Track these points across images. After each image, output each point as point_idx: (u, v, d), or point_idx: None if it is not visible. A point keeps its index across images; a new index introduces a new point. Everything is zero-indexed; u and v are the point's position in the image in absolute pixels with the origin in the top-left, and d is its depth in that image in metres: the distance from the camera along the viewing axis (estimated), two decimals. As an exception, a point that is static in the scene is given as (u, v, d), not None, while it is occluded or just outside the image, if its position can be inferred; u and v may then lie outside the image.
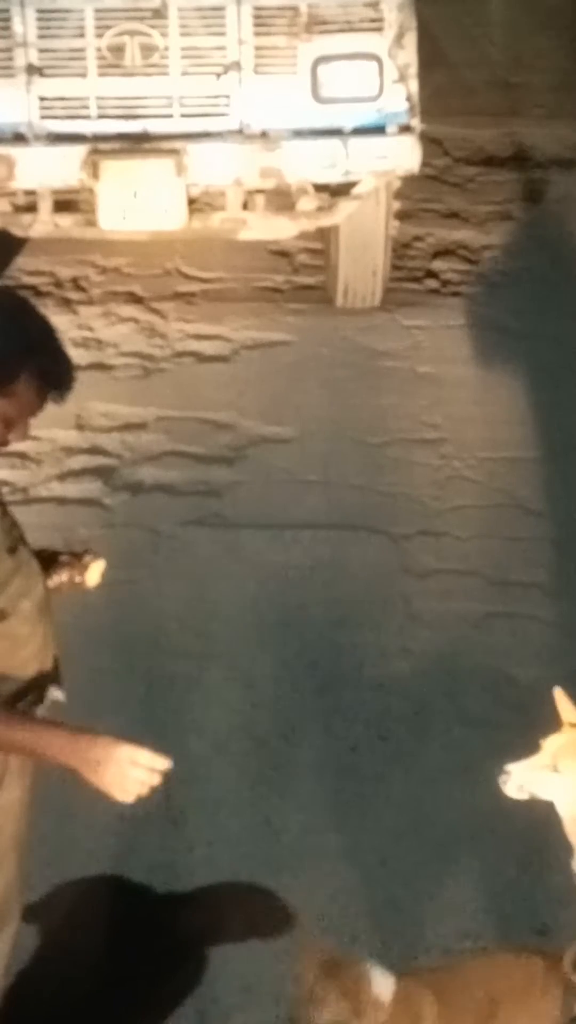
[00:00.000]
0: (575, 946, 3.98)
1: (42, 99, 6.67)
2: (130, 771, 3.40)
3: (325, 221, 7.03)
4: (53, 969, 4.57)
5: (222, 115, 6.70)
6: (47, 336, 3.48)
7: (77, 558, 3.84)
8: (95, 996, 4.47)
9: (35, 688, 3.58)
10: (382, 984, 3.81)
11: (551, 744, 4.12)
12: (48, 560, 3.77)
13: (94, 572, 3.82)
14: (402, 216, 7.59)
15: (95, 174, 6.65)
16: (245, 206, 6.88)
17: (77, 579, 3.82)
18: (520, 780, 4.10)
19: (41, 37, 6.62)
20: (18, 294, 3.61)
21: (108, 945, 4.61)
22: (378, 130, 6.75)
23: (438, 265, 8.01)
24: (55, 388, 3.49)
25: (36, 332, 3.45)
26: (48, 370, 3.46)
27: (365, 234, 7.23)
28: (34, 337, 3.44)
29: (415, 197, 8.06)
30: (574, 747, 4.12)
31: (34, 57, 6.62)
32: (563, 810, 4.16)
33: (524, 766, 4.11)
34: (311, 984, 3.74)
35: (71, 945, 4.65)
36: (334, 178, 6.81)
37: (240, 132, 6.71)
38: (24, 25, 6.60)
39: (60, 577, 3.80)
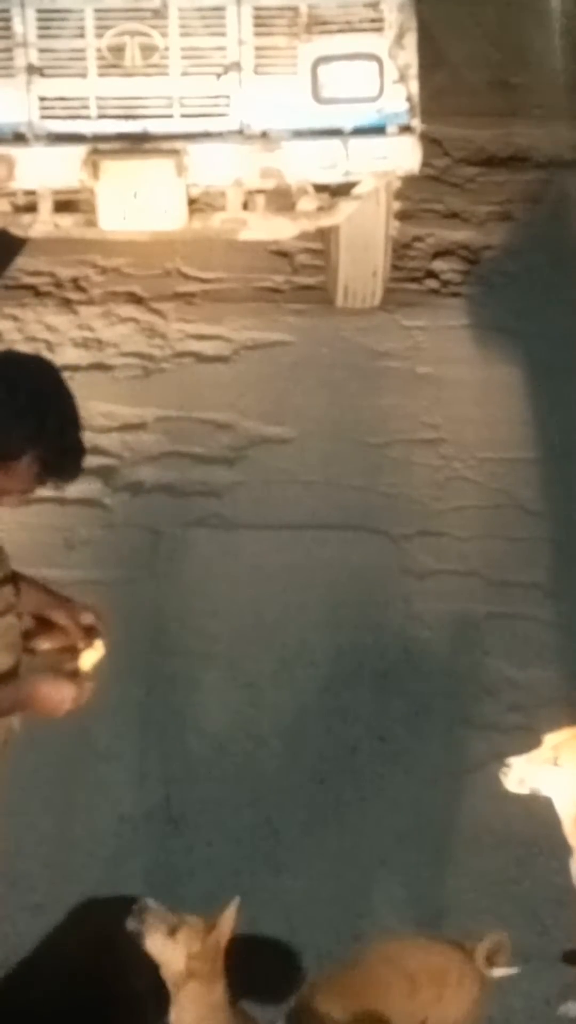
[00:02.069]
0: (487, 940, 4.00)
1: (42, 99, 6.67)
2: (58, 691, 3.58)
3: (325, 221, 7.03)
4: (54, 970, 4.57)
5: (222, 115, 6.70)
6: (65, 427, 3.49)
7: (78, 627, 3.80)
8: (94, 998, 4.47)
9: None
10: None
11: (552, 739, 4.14)
12: (47, 619, 3.77)
13: (88, 658, 3.74)
14: (402, 216, 7.60)
15: (95, 174, 6.65)
16: (245, 206, 6.88)
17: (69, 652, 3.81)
18: (521, 773, 4.11)
19: (41, 37, 6.62)
20: (55, 373, 3.56)
21: (109, 946, 4.61)
22: (378, 130, 6.75)
23: (438, 265, 8.01)
24: (54, 476, 3.49)
25: (54, 421, 3.47)
26: (51, 462, 3.48)
27: (365, 234, 7.23)
28: (50, 426, 3.45)
29: (415, 197, 8.06)
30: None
31: (34, 57, 6.62)
32: (562, 809, 4.17)
33: (525, 760, 4.12)
34: None
35: (72, 946, 4.65)
36: (334, 178, 6.81)
37: (240, 132, 6.71)
38: (24, 25, 6.60)
39: (51, 643, 3.79)
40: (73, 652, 3.76)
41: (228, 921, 3.75)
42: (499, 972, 4.02)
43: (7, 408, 3.42)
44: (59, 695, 3.58)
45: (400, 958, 4.02)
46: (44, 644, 3.78)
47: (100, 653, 3.75)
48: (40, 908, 4.71)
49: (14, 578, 3.69)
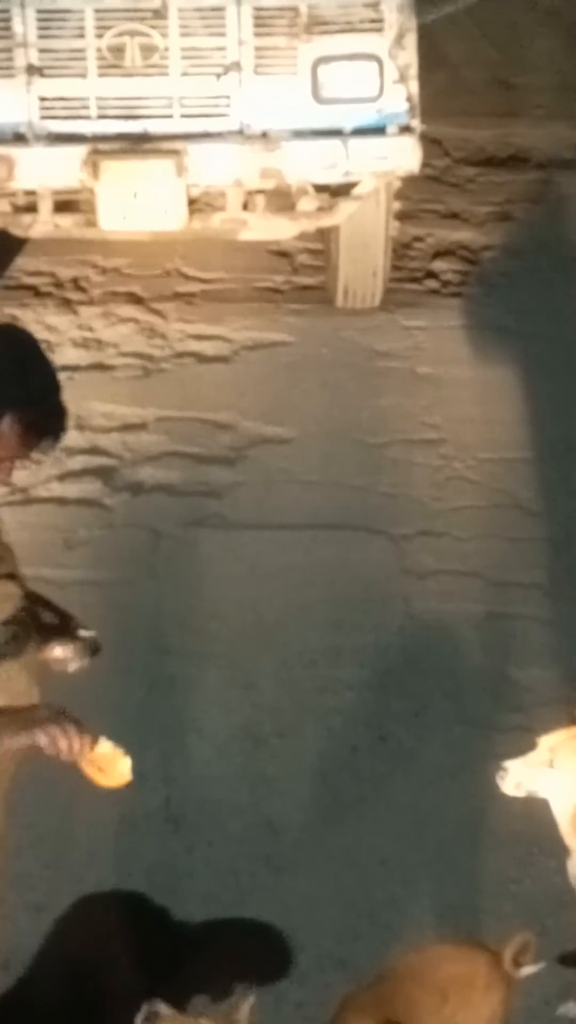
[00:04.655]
0: (513, 942, 4.01)
1: (42, 99, 6.67)
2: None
3: (325, 222, 7.03)
4: (54, 970, 4.57)
5: (222, 116, 6.70)
6: (45, 388, 3.48)
7: (65, 638, 3.80)
8: (96, 998, 4.47)
9: None
10: None
11: (548, 741, 4.13)
12: (46, 627, 3.77)
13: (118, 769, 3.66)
14: (402, 217, 7.59)
15: (95, 174, 6.65)
16: (245, 206, 6.88)
17: (53, 658, 3.80)
18: (517, 777, 4.11)
19: (41, 37, 6.62)
20: (30, 338, 3.57)
21: (108, 946, 4.62)
22: (378, 131, 6.75)
23: (438, 266, 8.01)
24: (40, 439, 3.48)
25: (35, 380, 3.46)
26: (36, 421, 3.45)
27: (365, 235, 7.23)
28: (31, 386, 3.44)
29: (415, 198, 8.06)
30: (571, 744, 4.12)
31: (34, 57, 6.62)
32: (558, 810, 4.16)
33: (522, 763, 4.11)
34: None
35: (72, 946, 4.65)
36: (334, 179, 6.81)
37: (240, 133, 6.71)
38: (24, 25, 6.59)
39: (46, 654, 3.79)
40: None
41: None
42: (526, 971, 4.04)
43: None
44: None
45: (427, 971, 4.02)
46: (56, 651, 3.79)
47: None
48: (40, 908, 4.71)
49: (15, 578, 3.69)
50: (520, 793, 4.14)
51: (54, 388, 3.50)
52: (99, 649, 3.83)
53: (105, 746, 3.57)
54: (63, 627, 3.80)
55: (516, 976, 4.03)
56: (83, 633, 3.82)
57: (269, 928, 4.71)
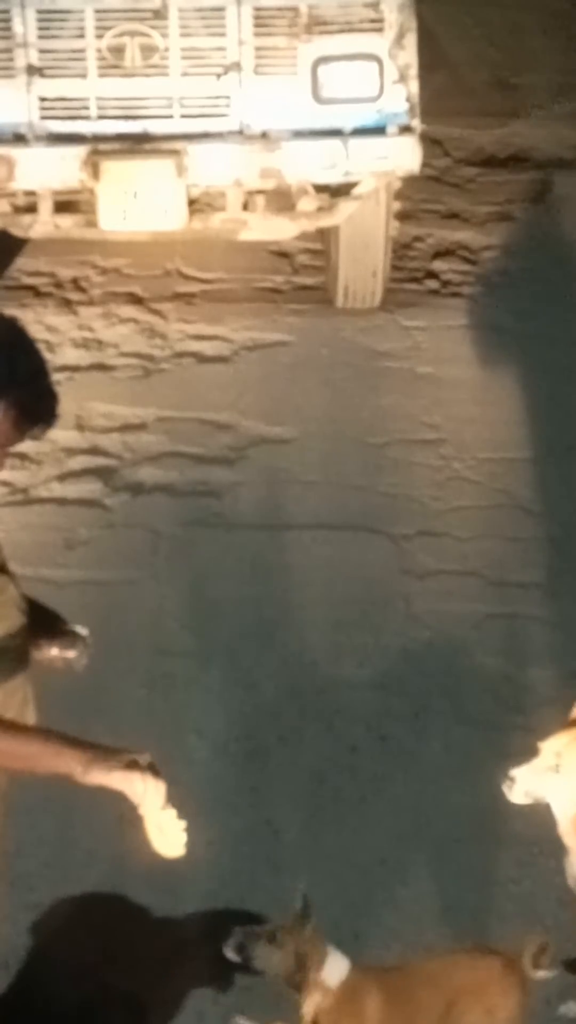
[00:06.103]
0: (532, 944, 4.01)
1: (42, 99, 6.67)
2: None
3: (325, 222, 7.03)
4: (54, 970, 4.57)
5: (222, 116, 6.70)
6: (34, 371, 3.46)
7: (65, 636, 3.79)
8: (96, 997, 4.47)
9: None
10: (333, 969, 3.91)
11: (552, 745, 4.10)
12: (42, 627, 3.75)
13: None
14: (402, 217, 7.60)
15: (95, 174, 6.65)
16: (245, 207, 6.88)
17: (57, 656, 3.79)
18: (526, 785, 4.06)
19: (41, 38, 6.62)
20: (16, 324, 3.55)
21: (108, 946, 4.62)
22: (378, 131, 6.75)
23: (438, 266, 8.01)
24: (32, 423, 3.47)
25: (22, 365, 3.44)
26: (26, 405, 3.44)
27: (365, 235, 7.23)
28: (19, 370, 3.43)
29: (415, 198, 8.06)
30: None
31: (34, 58, 6.62)
32: (559, 811, 4.15)
33: (528, 770, 4.08)
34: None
35: (72, 946, 4.66)
36: (334, 179, 6.81)
37: (240, 133, 6.71)
38: (24, 25, 6.60)
39: (46, 652, 3.78)
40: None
41: None
42: (542, 974, 4.05)
43: None
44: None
45: (441, 977, 4.04)
46: (50, 650, 3.78)
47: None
48: (40, 908, 4.71)
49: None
50: (528, 801, 4.11)
51: (44, 372, 3.49)
52: (89, 647, 3.82)
53: (172, 812, 3.62)
54: (54, 625, 3.79)
55: (533, 978, 4.03)
56: (73, 629, 3.80)
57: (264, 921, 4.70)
